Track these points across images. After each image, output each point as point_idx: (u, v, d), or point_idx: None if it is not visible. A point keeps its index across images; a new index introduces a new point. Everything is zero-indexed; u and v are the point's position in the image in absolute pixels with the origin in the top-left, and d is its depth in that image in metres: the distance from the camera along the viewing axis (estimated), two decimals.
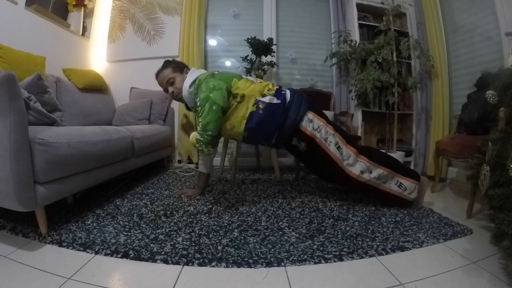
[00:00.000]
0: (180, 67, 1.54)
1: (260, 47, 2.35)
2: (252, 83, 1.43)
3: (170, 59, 1.60)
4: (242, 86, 1.39)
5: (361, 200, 1.62)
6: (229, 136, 1.68)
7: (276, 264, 0.93)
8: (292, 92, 1.46)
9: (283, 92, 1.45)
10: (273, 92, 1.43)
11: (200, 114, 1.33)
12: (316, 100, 2.48)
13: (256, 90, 1.40)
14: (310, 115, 1.42)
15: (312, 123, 1.41)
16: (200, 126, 1.30)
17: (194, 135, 1.43)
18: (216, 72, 1.44)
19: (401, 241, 1.11)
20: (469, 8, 2.28)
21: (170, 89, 1.51)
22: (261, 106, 1.38)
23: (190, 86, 1.42)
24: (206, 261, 0.93)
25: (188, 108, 1.58)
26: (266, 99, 1.39)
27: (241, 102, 1.38)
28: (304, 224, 1.28)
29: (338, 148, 1.42)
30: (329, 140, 1.41)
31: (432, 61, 2.44)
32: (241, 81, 1.42)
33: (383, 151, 2.29)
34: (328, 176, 1.64)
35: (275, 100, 1.39)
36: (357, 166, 1.43)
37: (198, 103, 1.34)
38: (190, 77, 1.45)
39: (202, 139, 1.28)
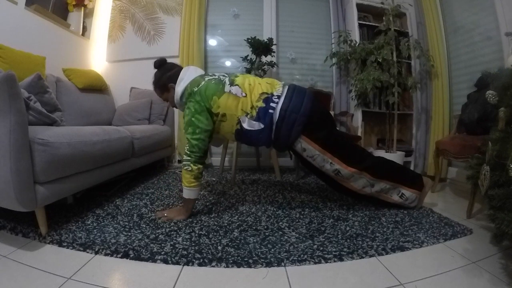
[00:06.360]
0: (165, 85, 1.43)
1: (260, 47, 2.35)
2: (235, 99, 1.28)
3: (159, 60, 1.48)
4: (223, 104, 1.28)
5: (361, 201, 1.61)
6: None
7: (276, 264, 0.93)
8: (283, 111, 1.26)
9: (270, 111, 1.26)
10: (255, 115, 1.27)
11: (186, 137, 1.32)
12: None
13: (239, 109, 1.28)
14: (304, 142, 1.31)
15: (305, 152, 1.34)
16: (187, 146, 1.30)
17: None
18: (196, 89, 1.31)
19: (401, 241, 1.11)
20: (469, 8, 2.28)
21: (167, 105, 1.54)
22: (243, 129, 1.30)
23: (181, 98, 1.38)
24: (206, 261, 0.93)
25: None
26: (246, 125, 1.28)
27: (224, 121, 1.31)
28: (304, 224, 1.28)
29: (337, 173, 1.36)
30: (326, 167, 1.36)
31: (432, 61, 2.44)
32: (223, 97, 1.28)
33: (383, 151, 2.30)
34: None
35: (257, 126, 1.28)
36: (359, 182, 1.40)
37: (184, 126, 1.34)
38: (178, 90, 1.37)
39: (189, 158, 1.28)
